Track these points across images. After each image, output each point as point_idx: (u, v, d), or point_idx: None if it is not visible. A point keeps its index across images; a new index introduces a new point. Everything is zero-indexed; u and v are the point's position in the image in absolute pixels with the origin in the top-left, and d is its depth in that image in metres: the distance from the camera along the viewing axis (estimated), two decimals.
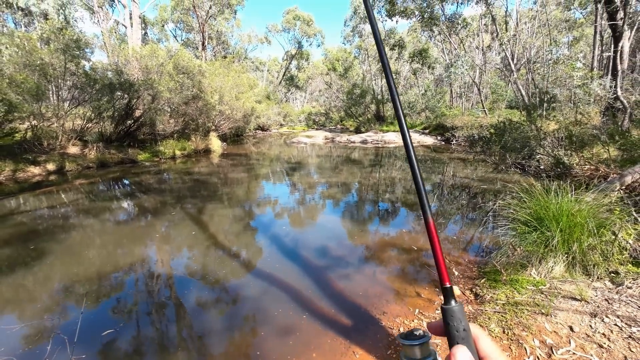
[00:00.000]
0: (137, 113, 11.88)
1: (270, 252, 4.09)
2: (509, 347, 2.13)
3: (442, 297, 2.48)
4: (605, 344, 2.02)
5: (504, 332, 2.26)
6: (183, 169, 10.28)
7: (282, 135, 25.09)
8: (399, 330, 2.51)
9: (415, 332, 0.42)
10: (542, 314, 2.36)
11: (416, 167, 0.43)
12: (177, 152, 12.17)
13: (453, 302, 0.39)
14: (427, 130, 19.75)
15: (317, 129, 28.45)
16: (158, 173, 9.46)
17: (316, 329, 2.57)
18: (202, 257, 3.94)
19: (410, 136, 0.45)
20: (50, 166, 8.87)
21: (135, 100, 11.31)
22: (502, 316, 2.42)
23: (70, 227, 4.93)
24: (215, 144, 14.43)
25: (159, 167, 10.38)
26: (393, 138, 18.35)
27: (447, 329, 0.39)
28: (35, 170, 8.62)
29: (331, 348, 2.33)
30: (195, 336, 2.54)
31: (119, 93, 10.73)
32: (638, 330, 2.07)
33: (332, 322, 2.65)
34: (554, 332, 2.19)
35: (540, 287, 2.70)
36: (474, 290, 2.92)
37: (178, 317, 2.80)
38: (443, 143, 16.82)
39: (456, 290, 2.92)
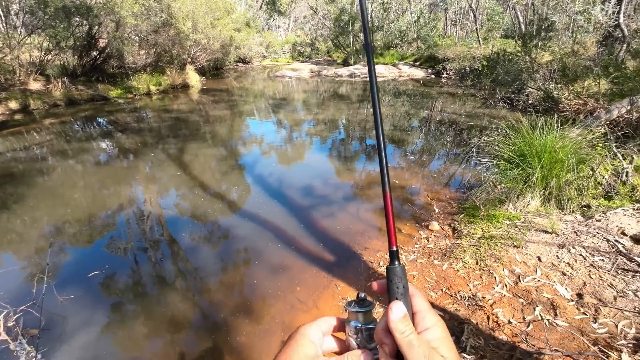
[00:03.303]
0: (102, 43, 10.70)
1: (258, 190, 4.08)
2: (480, 277, 2.28)
3: (421, 233, 2.55)
4: (568, 272, 2.18)
5: (477, 263, 2.40)
6: (161, 106, 9.70)
7: (265, 69, 23.54)
8: (379, 264, 2.64)
9: (361, 300, 0.48)
10: (514, 246, 2.50)
11: (382, 142, 0.47)
12: (152, 88, 11.35)
13: (397, 264, 0.45)
14: (418, 63, 18.83)
15: (302, 62, 26.72)
16: (134, 111, 8.91)
17: (301, 265, 2.68)
18: (191, 196, 3.91)
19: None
20: (13, 104, 8.18)
21: (97, 28, 10.07)
22: (476, 249, 2.55)
23: (48, 169, 4.73)
24: (194, 79, 13.47)
25: (134, 104, 9.74)
26: (382, 71, 17.49)
27: (389, 286, 0.45)
28: None
29: (315, 282, 2.45)
30: (185, 272, 2.62)
31: (77, 19, 9.49)
32: (600, 259, 2.22)
33: (316, 258, 2.76)
34: (523, 262, 2.34)
35: (515, 222, 2.82)
36: (452, 225, 3.04)
37: (170, 255, 2.85)
38: (433, 76, 16.20)
39: (435, 226, 3.03)
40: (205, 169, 4.80)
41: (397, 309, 0.42)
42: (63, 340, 2.03)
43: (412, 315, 0.43)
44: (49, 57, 9.50)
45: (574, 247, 2.36)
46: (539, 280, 2.16)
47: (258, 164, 5.10)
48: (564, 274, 2.17)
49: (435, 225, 3.04)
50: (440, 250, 2.66)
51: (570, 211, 2.81)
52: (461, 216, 3.13)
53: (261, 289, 2.41)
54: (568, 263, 2.25)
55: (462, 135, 6.41)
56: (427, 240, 2.85)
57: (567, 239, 2.47)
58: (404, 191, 3.97)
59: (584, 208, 2.83)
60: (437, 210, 3.37)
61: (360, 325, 0.47)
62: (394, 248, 0.47)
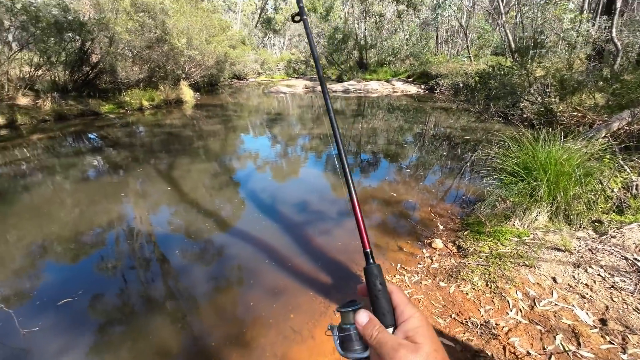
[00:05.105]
0: (95, 58, 10.63)
1: (252, 207, 3.88)
2: (492, 300, 2.08)
3: (424, 251, 2.36)
4: (587, 294, 2.00)
5: (487, 285, 2.21)
6: (153, 121, 9.54)
7: (260, 85, 23.69)
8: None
9: (350, 303, 0.49)
10: (526, 265, 2.32)
11: (341, 149, 0.58)
12: (145, 103, 11.22)
13: (372, 262, 0.49)
14: (412, 79, 19.09)
15: (297, 78, 27.00)
16: (125, 126, 8.74)
17: (296, 287, 2.46)
18: (182, 213, 3.70)
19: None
20: None
21: (89, 43, 10.02)
22: (485, 269, 2.36)
23: (32, 186, 4.49)
24: (188, 94, 13.41)
25: (126, 119, 9.58)
26: (376, 87, 17.67)
27: (368, 285, 0.48)
28: None
29: (310, 307, 2.23)
30: (174, 295, 2.38)
31: (70, 34, 9.43)
32: (621, 280, 2.05)
33: (312, 280, 2.54)
34: (537, 283, 2.16)
35: (523, 239, 2.65)
36: (456, 242, 2.86)
37: (159, 276, 2.61)
38: (427, 92, 16.38)
39: (439, 244, 2.85)
40: (198, 185, 4.60)
41: (361, 317, 0.45)
42: None
43: (393, 309, 0.46)
44: (39, 72, 9.36)
45: (590, 267, 2.19)
46: (556, 304, 1.97)
47: (252, 180, 4.91)
48: (583, 296, 1.99)
49: (438, 243, 2.86)
50: (446, 271, 2.47)
51: (581, 227, 2.65)
52: (465, 233, 2.95)
53: (253, 314, 2.19)
54: (586, 284, 2.07)
55: (458, 149, 6.32)
56: (431, 260, 2.66)
57: (582, 257, 2.30)
58: (400, 205, 3.80)
59: (595, 223, 2.68)
60: (441, 227, 3.19)
61: (338, 325, 0.49)
62: (367, 250, 0.51)
